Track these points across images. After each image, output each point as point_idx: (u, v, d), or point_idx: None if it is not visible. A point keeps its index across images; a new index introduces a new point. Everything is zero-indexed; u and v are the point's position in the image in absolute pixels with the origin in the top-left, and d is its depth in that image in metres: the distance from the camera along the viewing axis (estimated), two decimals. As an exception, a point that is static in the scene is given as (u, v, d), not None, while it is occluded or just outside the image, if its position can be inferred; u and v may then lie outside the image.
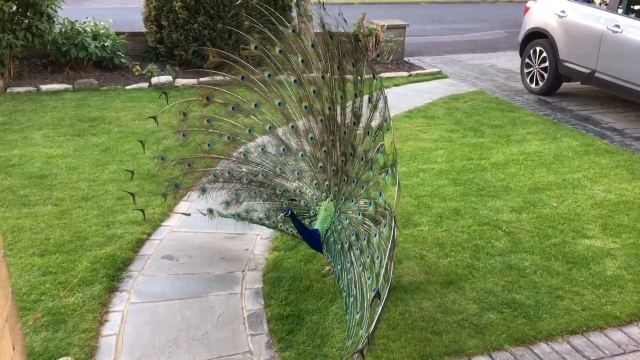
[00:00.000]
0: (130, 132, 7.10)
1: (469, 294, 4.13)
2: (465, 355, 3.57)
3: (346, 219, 3.84)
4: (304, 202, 4.16)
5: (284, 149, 4.15)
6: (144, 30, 10.73)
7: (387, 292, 3.00)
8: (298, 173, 4.15)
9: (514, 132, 7.55)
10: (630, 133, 7.71)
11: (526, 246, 4.77)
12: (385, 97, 3.67)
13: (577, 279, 4.33)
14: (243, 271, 4.42)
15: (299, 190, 4.17)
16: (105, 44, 9.89)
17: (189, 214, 4.79)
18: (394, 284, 4.23)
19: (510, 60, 11.97)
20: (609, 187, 5.89)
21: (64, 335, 3.64)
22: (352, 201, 3.85)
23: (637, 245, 4.80)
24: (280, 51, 3.95)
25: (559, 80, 9.19)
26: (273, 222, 4.34)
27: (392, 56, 11.43)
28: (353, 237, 3.70)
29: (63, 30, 9.79)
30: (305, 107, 3.98)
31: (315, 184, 4.08)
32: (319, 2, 3.69)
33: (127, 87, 9.31)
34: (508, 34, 15.54)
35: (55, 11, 9.42)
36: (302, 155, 4.10)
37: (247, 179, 4.26)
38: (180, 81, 9.38)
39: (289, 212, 3.77)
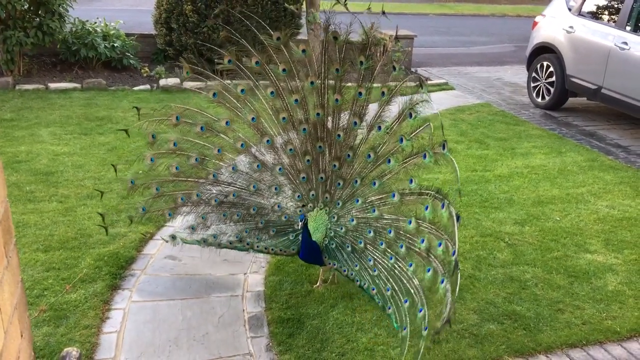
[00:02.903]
0: (137, 133, 7.11)
1: (469, 304, 4.14)
2: (464, 364, 3.58)
3: (352, 220, 3.84)
4: (285, 217, 4.06)
5: (258, 166, 4.03)
6: (153, 32, 10.80)
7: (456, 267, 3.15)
8: (276, 188, 4.04)
9: (519, 145, 7.56)
10: (635, 150, 7.72)
11: (528, 259, 4.77)
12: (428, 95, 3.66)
13: (578, 293, 4.33)
14: (245, 274, 4.44)
15: (278, 206, 4.06)
16: (115, 45, 9.97)
17: (166, 240, 4.41)
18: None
19: (517, 74, 12.00)
20: (613, 203, 5.90)
21: (65, 331, 3.66)
22: (357, 201, 3.85)
23: (639, 261, 4.80)
24: (257, 62, 3.82)
25: (566, 95, 9.21)
26: (247, 244, 4.14)
27: (391, 77, 11.46)
28: (370, 235, 3.74)
29: (73, 29, 9.88)
30: (284, 118, 3.89)
31: (299, 196, 4.01)
32: (326, 10, 3.67)
33: (135, 88, 9.37)
34: (516, 47, 15.59)
35: (67, 10, 9.52)
36: (279, 169, 3.99)
37: (216, 201, 4.09)
38: (188, 84, 9.43)
39: (304, 220, 3.75)
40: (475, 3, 25.77)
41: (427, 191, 3.56)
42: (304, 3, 10.46)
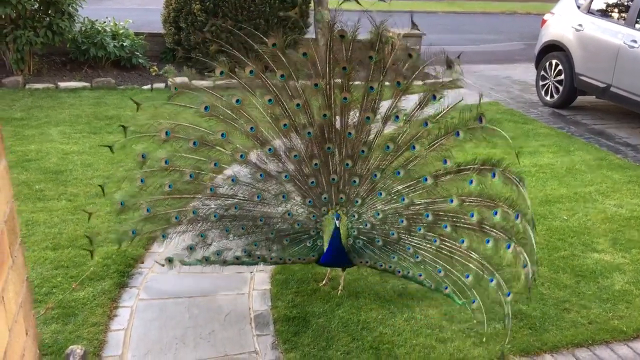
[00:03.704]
0: (146, 132, 7.18)
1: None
2: (470, 363, 3.59)
3: (378, 214, 3.84)
4: (297, 224, 3.94)
5: (261, 175, 3.87)
6: (162, 31, 10.84)
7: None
8: (284, 196, 3.89)
9: (527, 144, 7.53)
10: (644, 149, 7.68)
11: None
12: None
13: (585, 292, 4.32)
14: (251, 272, 4.46)
15: (289, 214, 3.92)
16: (124, 44, 10.02)
17: (162, 264, 4.07)
18: (401, 290, 4.25)
19: (526, 72, 11.94)
20: (621, 202, 5.87)
21: (73, 328, 3.71)
22: (380, 194, 3.83)
23: (647, 261, 4.79)
24: (251, 72, 3.69)
25: (574, 93, 9.17)
26: (258, 257, 3.96)
27: (407, 64, 11.44)
28: (403, 224, 3.77)
29: (83, 29, 9.94)
30: (285, 125, 3.77)
31: (310, 202, 3.90)
32: (335, 8, 3.67)
33: (144, 87, 9.42)
34: (525, 45, 15.51)
35: (76, 10, 9.58)
36: (286, 176, 3.86)
37: (216, 216, 3.88)
38: (196, 83, 9.46)
39: (340, 217, 3.72)
40: (485, 0, 25.64)
41: (468, 166, 3.62)
42: (312, 2, 10.46)
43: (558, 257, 4.78)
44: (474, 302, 3.64)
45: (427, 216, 3.71)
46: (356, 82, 3.73)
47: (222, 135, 3.83)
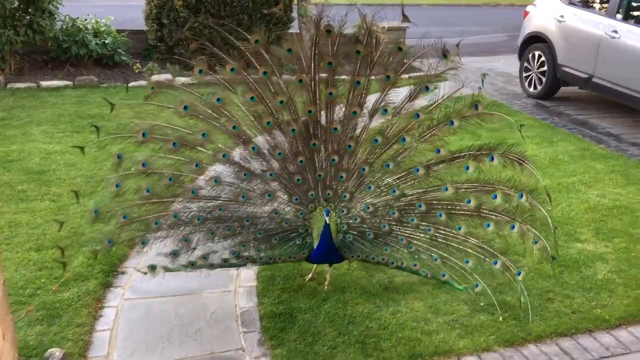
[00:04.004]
0: (130, 130, 7.13)
1: (460, 295, 4.16)
2: (455, 355, 3.62)
3: (367, 208, 3.84)
4: (286, 222, 3.89)
5: (245, 174, 3.80)
6: (145, 28, 10.77)
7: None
8: (269, 195, 3.84)
9: (511, 135, 7.53)
10: (627, 138, 7.75)
11: (519, 249, 4.75)
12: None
13: (568, 282, 4.37)
14: (237, 269, 4.45)
15: (276, 213, 3.87)
16: (106, 42, 9.95)
17: (145, 272, 3.92)
18: (387, 284, 4.27)
19: (510, 64, 11.98)
20: (604, 192, 5.93)
21: (58, 330, 3.69)
22: (369, 188, 3.83)
23: (629, 249, 4.84)
24: (232, 69, 3.62)
25: (557, 84, 9.23)
26: (247, 259, 3.90)
27: (392, 58, 11.46)
28: (395, 215, 3.78)
29: (64, 27, 9.86)
30: (269, 122, 3.71)
31: (296, 199, 3.86)
32: (324, 2, 3.61)
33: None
34: (509, 37, 15.58)
35: (57, 8, 9.52)
36: (271, 174, 3.80)
37: (199, 219, 3.77)
38: (180, 79, 9.42)
39: (329, 213, 3.71)
40: (469, -8, 25.70)
41: (463, 153, 3.66)
42: (295, -4, 10.44)
43: (542, 248, 4.80)
44: (477, 286, 3.76)
45: (420, 206, 3.75)
46: (342, 76, 3.71)
47: (203, 135, 3.73)
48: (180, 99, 3.71)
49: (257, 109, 3.73)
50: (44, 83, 9.13)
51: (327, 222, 3.70)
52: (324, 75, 3.63)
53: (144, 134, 3.67)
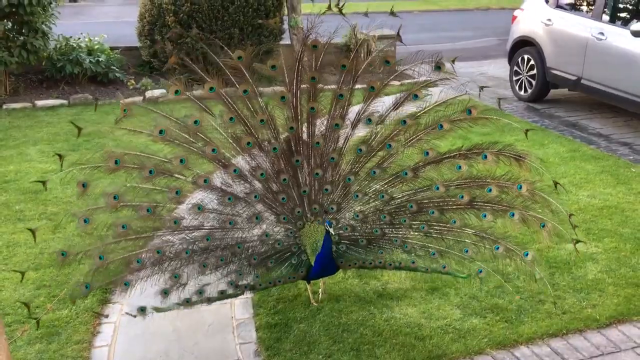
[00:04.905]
0: (125, 146, 7.21)
1: (453, 299, 4.23)
2: (448, 359, 3.67)
3: (357, 216, 3.89)
4: (278, 243, 3.84)
5: (229, 199, 3.69)
6: (138, 44, 10.87)
7: None
8: (257, 218, 3.77)
9: (502, 139, 7.58)
10: (617, 138, 7.83)
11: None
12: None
13: (559, 283, 4.44)
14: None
15: (266, 235, 3.82)
16: (100, 59, 10.05)
17: (134, 315, 3.69)
18: (381, 291, 4.33)
19: (501, 68, 12.07)
20: (594, 192, 6.01)
21: (57, 347, 3.75)
22: (357, 196, 3.86)
23: (619, 249, 4.91)
24: (211, 89, 3.53)
25: (547, 87, 9.33)
26: (245, 287, 3.80)
27: (383, 66, 11.56)
28: (386, 219, 3.83)
29: (58, 46, 9.96)
30: (249, 143, 3.64)
31: (284, 218, 3.83)
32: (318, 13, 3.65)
33: (122, 101, 9.43)
34: (500, 41, 15.66)
35: (50, 28, 9.60)
36: (255, 196, 3.73)
37: (187, 252, 3.60)
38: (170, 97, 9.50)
39: (332, 225, 3.65)
40: (459, -3, 25.86)
41: (453, 153, 3.72)
42: (285, 8, 10.55)
43: (533, 250, 4.87)
44: (480, 271, 3.86)
45: (411, 207, 3.79)
46: (328, 86, 3.74)
47: (181, 161, 3.58)
48: (155, 122, 3.56)
49: (236, 130, 3.66)
50: (40, 102, 9.22)
51: (332, 233, 3.64)
52: (305, 88, 3.63)
53: (116, 162, 3.51)
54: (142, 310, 3.64)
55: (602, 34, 8.08)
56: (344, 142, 3.80)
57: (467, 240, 3.77)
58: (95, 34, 10.61)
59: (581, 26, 8.49)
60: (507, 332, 3.89)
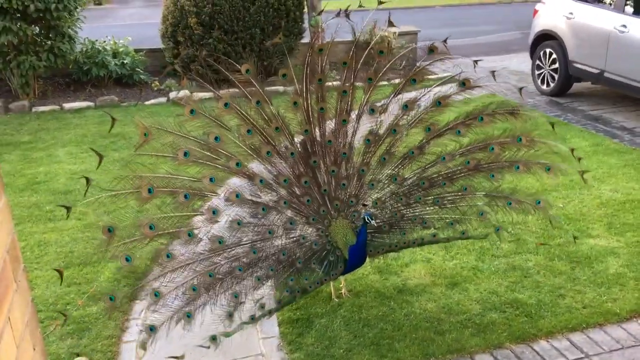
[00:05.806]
0: (150, 147, 7.37)
1: (472, 294, 4.28)
2: (467, 353, 3.73)
3: (375, 204, 4.02)
4: (315, 244, 3.90)
5: (263, 209, 3.72)
6: (161, 46, 11.05)
7: None
8: (292, 222, 3.83)
9: (512, 126, 7.62)
10: (641, 131, 7.77)
11: (531, 247, 4.89)
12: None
13: (580, 277, 4.45)
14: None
15: (303, 238, 3.87)
16: (125, 61, 10.25)
17: (207, 347, 3.55)
18: (401, 287, 4.40)
19: (523, 62, 11.97)
20: (616, 187, 5.98)
21: (88, 342, 3.90)
22: (372, 186, 4.00)
23: (641, 243, 4.90)
24: (226, 104, 3.58)
25: (570, 81, 9.26)
26: (297, 292, 3.79)
27: (404, 62, 11.58)
28: (402, 200, 3.98)
29: (84, 49, 10.18)
30: (268, 152, 3.71)
31: (313, 219, 3.89)
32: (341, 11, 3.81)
33: (147, 103, 9.63)
34: (522, 35, 15.53)
35: (76, 32, 9.83)
36: (285, 202, 3.79)
37: (240, 269, 3.58)
38: (197, 95, 9.66)
39: (370, 217, 3.67)
40: (482, -9, 25.67)
41: (451, 124, 3.88)
42: (306, 7, 10.63)
43: (554, 245, 4.90)
44: (497, 229, 4.12)
45: (423, 183, 3.94)
46: (335, 82, 3.87)
47: (211, 179, 3.57)
48: (176, 144, 3.50)
49: (254, 141, 3.70)
50: (67, 105, 9.45)
51: (375, 224, 3.73)
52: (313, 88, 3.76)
53: (149, 190, 3.42)
54: (214, 338, 3.54)
55: (624, 26, 8.00)
56: (352, 136, 3.91)
57: (479, 203, 3.95)
58: (120, 37, 10.83)
59: (603, 19, 8.41)
60: (527, 327, 3.93)
